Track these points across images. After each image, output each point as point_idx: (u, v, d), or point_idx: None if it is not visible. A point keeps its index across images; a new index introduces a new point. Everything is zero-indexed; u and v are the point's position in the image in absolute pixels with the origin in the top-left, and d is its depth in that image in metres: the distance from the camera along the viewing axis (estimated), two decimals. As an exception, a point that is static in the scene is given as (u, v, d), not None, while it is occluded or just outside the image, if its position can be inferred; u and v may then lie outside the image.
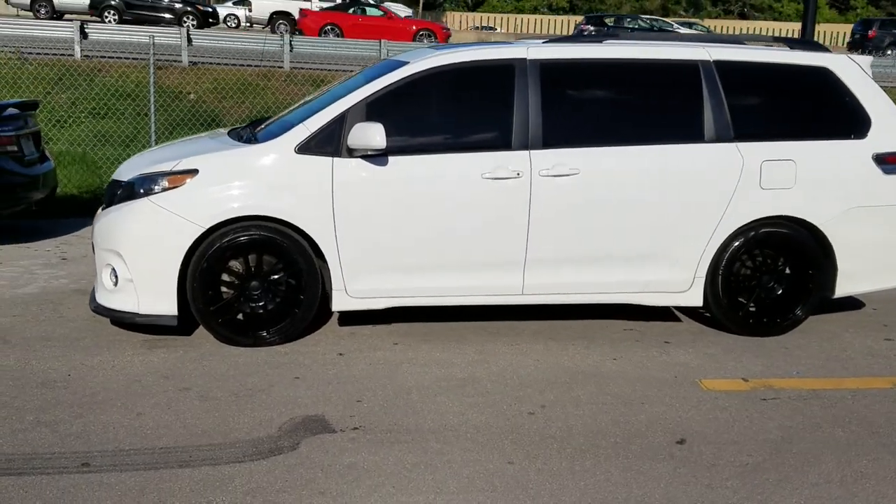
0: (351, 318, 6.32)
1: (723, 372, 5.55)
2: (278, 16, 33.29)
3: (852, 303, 7.20)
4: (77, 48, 21.65)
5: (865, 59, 6.42)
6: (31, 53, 20.25)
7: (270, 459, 4.20)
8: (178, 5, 29.88)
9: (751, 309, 6.16)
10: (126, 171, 5.93)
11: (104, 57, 20.84)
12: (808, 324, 6.50)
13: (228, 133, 6.37)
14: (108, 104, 16.59)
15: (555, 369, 5.51)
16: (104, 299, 5.74)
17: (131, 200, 5.63)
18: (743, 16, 66.15)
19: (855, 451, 4.49)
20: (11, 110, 8.44)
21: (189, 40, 22.22)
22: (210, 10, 30.67)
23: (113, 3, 28.48)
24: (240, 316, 5.69)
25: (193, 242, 5.51)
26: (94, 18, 28.14)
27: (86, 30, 22.16)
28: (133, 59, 20.09)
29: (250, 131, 6.18)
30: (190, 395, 4.94)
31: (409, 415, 4.78)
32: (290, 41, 22.78)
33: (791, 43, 6.56)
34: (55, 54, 20.82)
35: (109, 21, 27.42)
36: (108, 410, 4.71)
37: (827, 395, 5.22)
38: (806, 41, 6.67)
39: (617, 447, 4.47)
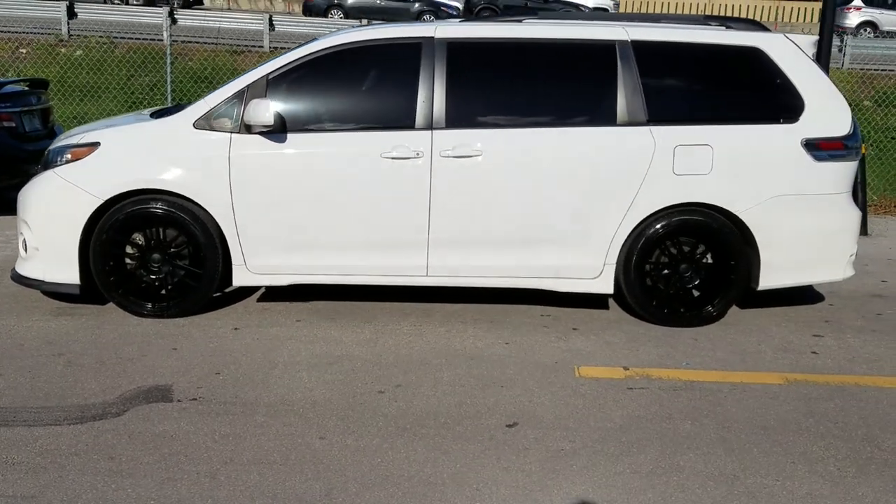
0: (275, 295, 6.40)
1: (609, 360, 5.39)
2: None
3: (814, 296, 6.85)
4: (166, 34, 22.46)
5: (806, 39, 6.08)
6: (122, 38, 21.14)
7: (87, 424, 4.33)
8: None
9: (665, 298, 5.95)
10: (56, 143, 6.16)
11: (191, 42, 21.55)
12: (739, 315, 6.25)
13: (153, 111, 6.52)
14: (185, 88, 17.16)
15: (438, 351, 5.46)
16: (19, 266, 5.99)
17: (43, 171, 5.86)
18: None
19: (687, 445, 4.30)
20: (11, 87, 8.88)
21: (272, 26, 22.76)
22: None
23: None
24: (141, 287, 5.84)
25: (93, 214, 5.69)
26: None
27: (175, 16, 22.97)
28: (217, 44, 20.83)
29: (176, 109, 6.32)
30: (59, 360, 5.12)
31: (258, 389, 4.82)
32: (371, 24, 23.01)
33: (727, 22, 6.27)
34: (145, 39, 21.69)
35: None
36: (-28, 371, 4.93)
37: (703, 388, 5.00)
38: (744, 20, 6.35)
39: (443, 427, 4.41)
